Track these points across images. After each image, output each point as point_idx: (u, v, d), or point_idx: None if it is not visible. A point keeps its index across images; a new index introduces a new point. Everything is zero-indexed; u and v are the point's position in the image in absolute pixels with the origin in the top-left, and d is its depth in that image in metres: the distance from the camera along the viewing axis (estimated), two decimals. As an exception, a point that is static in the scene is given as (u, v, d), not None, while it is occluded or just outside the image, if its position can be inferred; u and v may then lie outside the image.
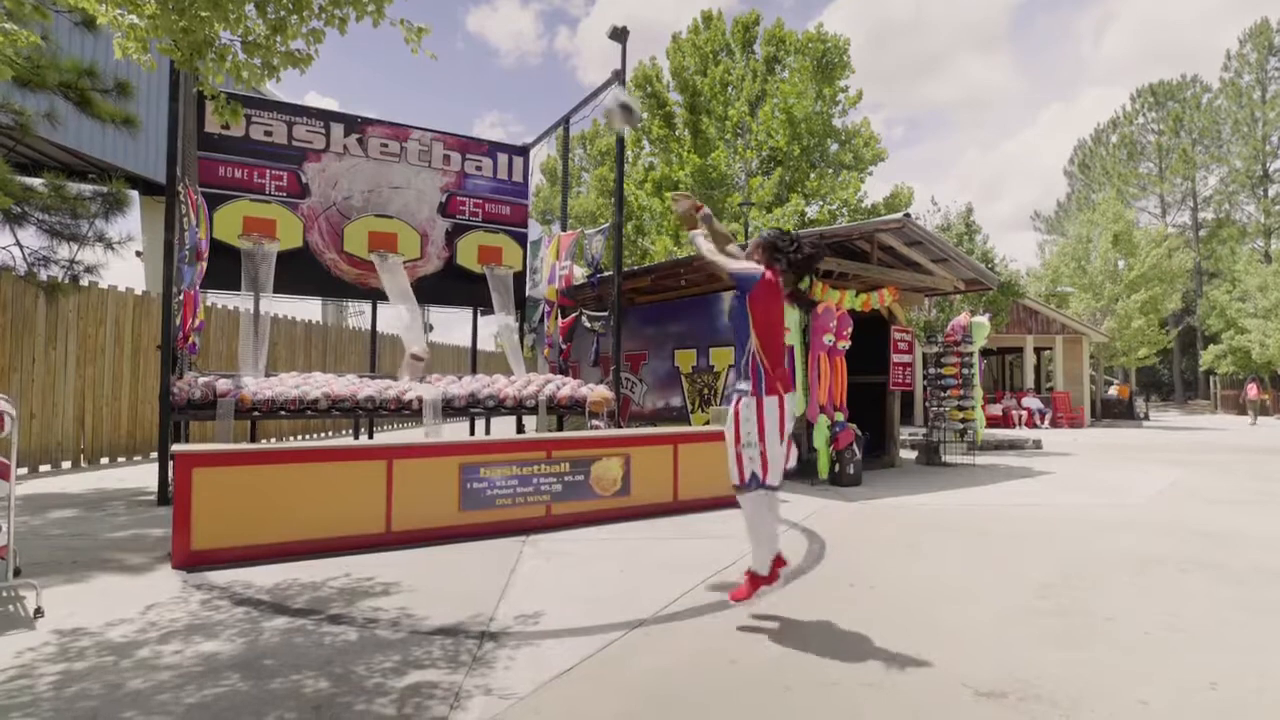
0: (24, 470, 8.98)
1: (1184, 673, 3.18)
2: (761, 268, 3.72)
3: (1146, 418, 27.05)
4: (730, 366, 9.65)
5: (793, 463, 3.77)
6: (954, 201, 45.46)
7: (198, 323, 8.29)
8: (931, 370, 11.87)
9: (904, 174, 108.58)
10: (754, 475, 3.61)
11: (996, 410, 22.06)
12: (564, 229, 11.89)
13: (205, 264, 8.36)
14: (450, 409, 8.58)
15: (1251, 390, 28.60)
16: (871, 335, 10.90)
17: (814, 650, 3.41)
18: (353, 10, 3.58)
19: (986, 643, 3.54)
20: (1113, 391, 28.62)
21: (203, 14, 3.32)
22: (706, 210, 4.10)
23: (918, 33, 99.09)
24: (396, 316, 9.74)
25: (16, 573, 4.25)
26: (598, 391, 9.40)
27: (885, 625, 3.75)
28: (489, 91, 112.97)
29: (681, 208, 4.14)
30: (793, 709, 2.83)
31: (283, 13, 3.47)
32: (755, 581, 3.82)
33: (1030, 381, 24.63)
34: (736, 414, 3.66)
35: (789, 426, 3.70)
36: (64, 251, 8.12)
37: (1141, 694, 2.95)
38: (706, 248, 3.92)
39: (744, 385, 3.69)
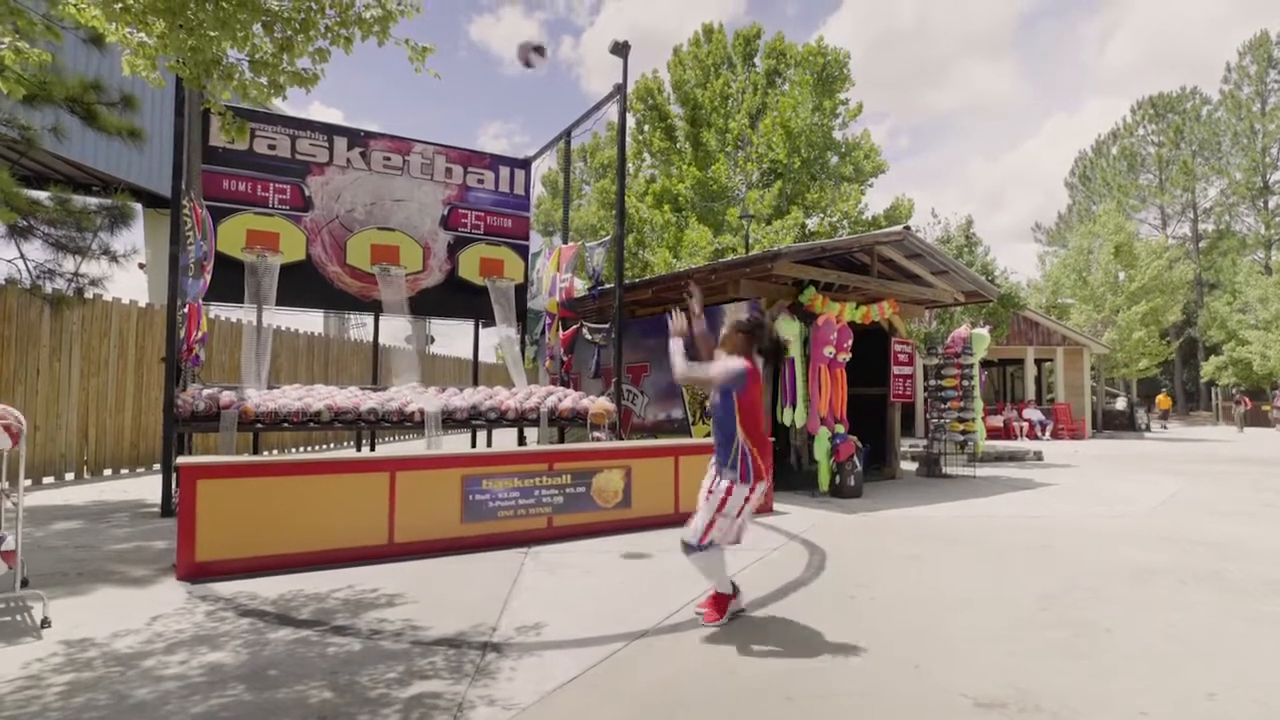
0: (28, 482, 9.00)
1: (1183, 683, 3.20)
2: (743, 363, 3.82)
3: (1148, 429, 27.04)
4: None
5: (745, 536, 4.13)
6: (954, 213, 45.58)
7: (201, 335, 8.33)
8: (932, 382, 11.89)
9: (908, 184, 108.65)
10: (713, 541, 3.83)
11: (997, 422, 22.05)
12: (565, 241, 11.96)
13: (209, 277, 8.41)
14: (452, 421, 8.62)
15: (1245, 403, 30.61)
16: (872, 347, 10.93)
17: (815, 661, 3.43)
18: (358, 30, 3.65)
19: (987, 653, 3.56)
20: (1120, 405, 28.74)
21: (211, 33, 3.38)
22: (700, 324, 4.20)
23: (922, 40, 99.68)
24: (398, 329, 9.84)
25: (24, 583, 4.28)
26: (599, 403, 9.43)
27: (886, 636, 3.78)
28: (492, 101, 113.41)
29: (679, 325, 4.10)
30: (794, 719, 2.85)
31: (290, 32, 3.54)
32: (720, 600, 3.95)
33: (1031, 393, 24.63)
34: (729, 491, 3.80)
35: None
36: (69, 264, 8.18)
37: (1140, 704, 2.97)
38: (682, 367, 3.96)
39: (732, 474, 3.83)
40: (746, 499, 3.81)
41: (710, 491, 3.87)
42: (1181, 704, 2.99)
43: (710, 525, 3.81)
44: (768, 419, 3.98)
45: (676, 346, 3.97)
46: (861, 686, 3.15)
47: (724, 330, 3.99)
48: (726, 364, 3.84)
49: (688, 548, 3.89)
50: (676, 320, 4.03)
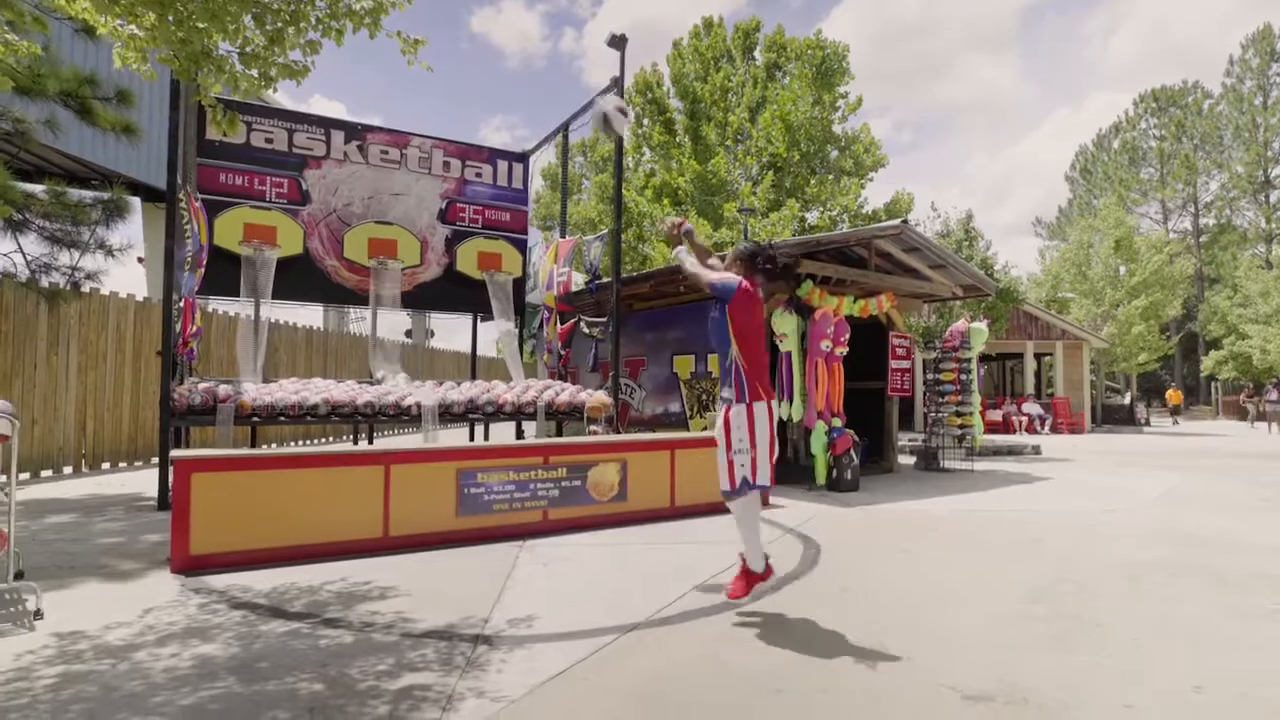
0: (25, 475, 9.02)
1: (1170, 677, 3.21)
2: (739, 278, 3.87)
3: (1147, 423, 27.03)
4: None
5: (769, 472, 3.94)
6: (954, 208, 45.50)
7: (195, 329, 8.33)
8: (930, 376, 11.89)
9: (911, 179, 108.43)
10: (744, 480, 3.74)
11: (997, 416, 22.05)
12: (563, 235, 11.94)
13: (204, 270, 8.41)
14: (449, 415, 8.62)
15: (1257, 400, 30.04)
16: (870, 341, 10.93)
17: (805, 654, 3.43)
18: (349, 22, 3.63)
19: (977, 647, 3.56)
20: (1123, 400, 28.69)
21: (200, 25, 3.37)
22: (688, 226, 4.26)
23: (926, 34, 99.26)
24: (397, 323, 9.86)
25: (18, 575, 4.29)
26: (596, 397, 9.43)
27: (877, 630, 3.78)
28: (494, 94, 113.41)
29: (664, 227, 4.33)
30: (782, 712, 2.85)
31: (280, 24, 3.52)
32: (750, 578, 3.86)
33: (1031, 387, 24.63)
34: (727, 422, 3.77)
35: (772, 430, 3.87)
36: (65, 258, 8.18)
37: (1127, 698, 2.98)
38: (689, 262, 4.09)
39: (729, 394, 3.84)
40: (750, 422, 3.73)
41: (719, 435, 3.88)
42: (1168, 697, 3.00)
43: (730, 466, 3.76)
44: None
45: (680, 250, 4.13)
46: (850, 680, 3.16)
47: (726, 263, 4.10)
48: (723, 274, 3.91)
49: (725, 496, 3.88)
50: (663, 224, 4.31)
